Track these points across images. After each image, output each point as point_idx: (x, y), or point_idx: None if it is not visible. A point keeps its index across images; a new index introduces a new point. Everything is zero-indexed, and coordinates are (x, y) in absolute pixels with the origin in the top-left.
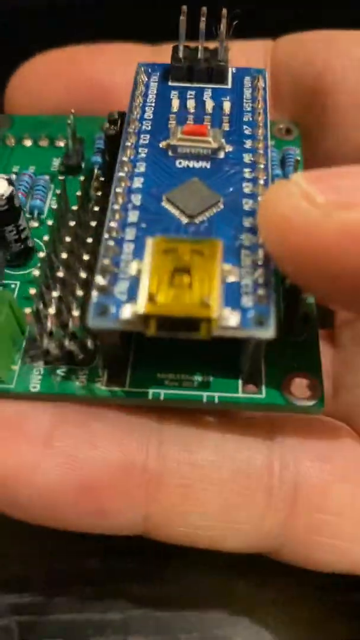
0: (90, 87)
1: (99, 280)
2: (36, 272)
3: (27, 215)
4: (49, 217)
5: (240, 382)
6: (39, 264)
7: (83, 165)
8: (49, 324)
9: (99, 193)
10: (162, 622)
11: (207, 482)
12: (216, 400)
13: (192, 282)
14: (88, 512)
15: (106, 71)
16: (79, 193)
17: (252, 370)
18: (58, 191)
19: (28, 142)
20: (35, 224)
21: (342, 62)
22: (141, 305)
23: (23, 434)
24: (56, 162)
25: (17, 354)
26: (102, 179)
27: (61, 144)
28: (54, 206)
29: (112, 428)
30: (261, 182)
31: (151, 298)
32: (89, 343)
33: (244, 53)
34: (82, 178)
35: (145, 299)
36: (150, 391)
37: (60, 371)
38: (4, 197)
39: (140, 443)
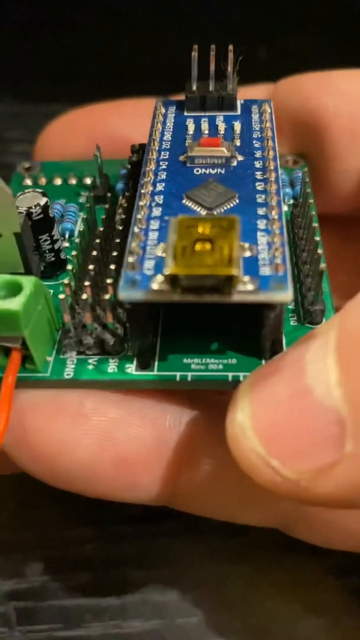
0: (112, 142)
1: (129, 259)
2: (65, 281)
3: (61, 237)
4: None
5: (263, 361)
6: (69, 266)
7: (109, 194)
8: (82, 317)
9: (123, 216)
10: (159, 606)
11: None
12: (241, 379)
13: (214, 248)
14: (122, 484)
15: (126, 127)
16: (103, 216)
17: (274, 347)
18: (85, 216)
19: (58, 181)
20: (66, 244)
21: (334, 99)
22: (169, 267)
23: (66, 413)
24: (84, 195)
25: (52, 346)
26: (125, 205)
27: (88, 181)
28: (81, 229)
29: (147, 409)
30: (272, 179)
31: (177, 260)
32: (119, 331)
33: (248, 96)
34: (107, 206)
35: (172, 262)
36: (178, 374)
37: (92, 360)
38: (39, 206)
39: (173, 423)
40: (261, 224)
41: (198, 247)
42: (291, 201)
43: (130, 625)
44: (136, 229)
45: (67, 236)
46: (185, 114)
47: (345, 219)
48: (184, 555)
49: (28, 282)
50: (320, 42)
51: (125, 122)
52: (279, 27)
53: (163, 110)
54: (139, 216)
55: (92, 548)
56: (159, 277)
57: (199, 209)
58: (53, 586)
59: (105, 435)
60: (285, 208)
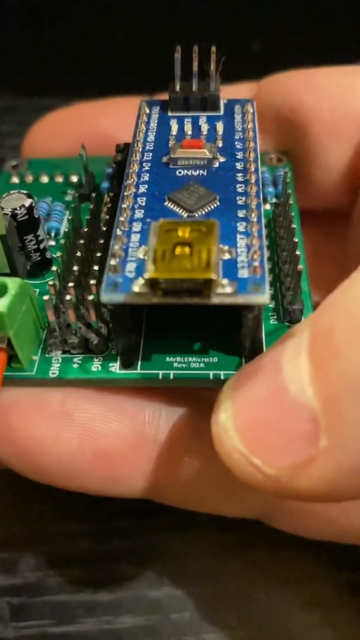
0: (97, 139)
1: (111, 261)
2: (50, 282)
3: (46, 236)
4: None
5: (243, 359)
6: (54, 267)
7: (94, 194)
8: (67, 316)
9: (107, 217)
10: (152, 602)
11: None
12: (222, 377)
13: (193, 252)
14: (102, 478)
15: (113, 125)
16: (88, 217)
17: (253, 346)
18: (70, 217)
19: (45, 179)
20: (52, 243)
21: (315, 96)
22: (149, 271)
23: (46, 410)
24: (70, 193)
25: (37, 345)
26: (109, 205)
27: (74, 179)
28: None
29: (127, 404)
30: (252, 181)
31: (157, 264)
32: (103, 330)
33: (232, 95)
34: (92, 206)
35: (151, 266)
36: (161, 372)
37: (76, 359)
38: (24, 207)
39: (151, 418)
40: (241, 226)
41: (178, 250)
42: (274, 200)
43: (123, 621)
44: (119, 232)
45: (52, 235)
46: (169, 114)
47: (328, 214)
48: (177, 550)
49: (13, 284)
50: (315, 34)
51: (112, 120)
52: (274, 19)
53: (147, 111)
54: (121, 218)
55: (85, 544)
56: (140, 280)
57: (180, 211)
58: (46, 582)
59: (86, 430)
60: (267, 207)
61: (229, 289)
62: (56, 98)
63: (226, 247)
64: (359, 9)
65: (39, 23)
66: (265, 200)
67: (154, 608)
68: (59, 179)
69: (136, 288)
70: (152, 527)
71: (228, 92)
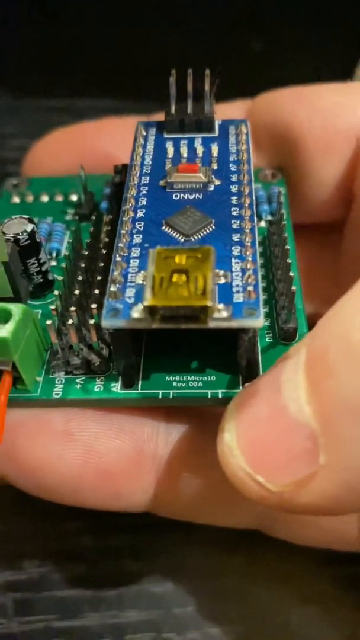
0: (97, 158)
1: (111, 287)
2: (52, 307)
3: (48, 257)
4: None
5: (240, 378)
6: (56, 291)
7: (94, 217)
8: (69, 338)
9: (107, 240)
10: (155, 597)
11: (210, 467)
12: (220, 396)
13: (189, 279)
14: (105, 494)
15: (111, 144)
16: (88, 240)
17: (250, 365)
18: (70, 240)
19: (45, 198)
20: (53, 263)
21: (307, 112)
22: (147, 299)
23: (49, 430)
24: (70, 213)
25: (41, 366)
26: (109, 228)
27: (74, 198)
28: (67, 252)
29: (126, 423)
30: (246, 205)
31: (155, 292)
32: (104, 351)
33: (227, 113)
34: (91, 229)
35: (150, 294)
36: (160, 392)
37: (79, 380)
38: (26, 232)
39: (150, 435)
40: (235, 250)
41: (175, 278)
42: (269, 217)
43: (126, 615)
44: (118, 257)
45: (54, 255)
46: (165, 136)
47: (321, 227)
48: (180, 546)
49: (17, 310)
50: (314, 34)
51: (111, 139)
52: (274, 19)
53: (144, 133)
54: (120, 244)
55: (88, 539)
56: (139, 306)
57: (177, 236)
58: (50, 577)
59: (88, 448)
60: (262, 224)
61: (224, 314)
62: (59, 98)
63: (222, 272)
64: (358, 9)
65: (40, 23)
66: (260, 218)
67: (157, 603)
68: (59, 198)
69: (135, 314)
70: (154, 523)
71: (223, 109)
